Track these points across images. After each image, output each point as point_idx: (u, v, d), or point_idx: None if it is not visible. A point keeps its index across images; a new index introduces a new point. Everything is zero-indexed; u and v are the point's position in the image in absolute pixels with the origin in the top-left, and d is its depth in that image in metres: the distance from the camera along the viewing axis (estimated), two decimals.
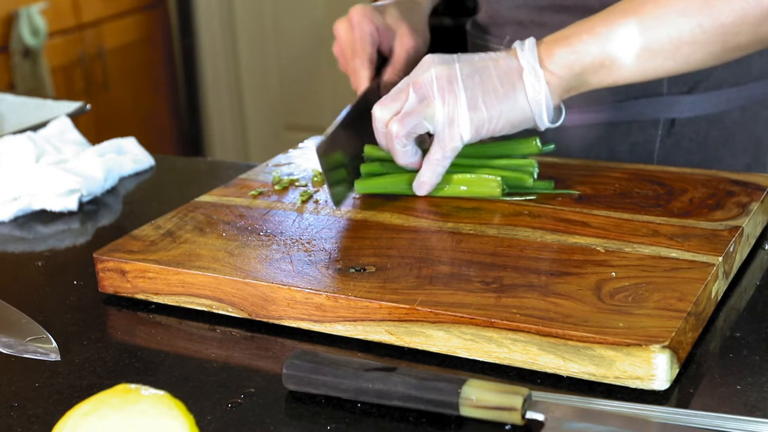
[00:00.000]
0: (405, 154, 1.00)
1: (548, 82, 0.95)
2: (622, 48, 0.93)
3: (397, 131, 0.98)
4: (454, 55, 0.98)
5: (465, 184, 1.00)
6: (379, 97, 1.02)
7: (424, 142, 1.02)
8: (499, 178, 0.99)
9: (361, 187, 1.03)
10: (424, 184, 1.00)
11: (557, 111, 0.99)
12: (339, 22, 1.16)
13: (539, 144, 1.02)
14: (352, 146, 1.06)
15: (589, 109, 1.19)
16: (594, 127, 1.20)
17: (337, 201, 1.01)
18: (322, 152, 0.99)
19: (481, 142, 1.01)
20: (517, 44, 0.97)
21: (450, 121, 0.96)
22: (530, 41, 0.96)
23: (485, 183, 0.99)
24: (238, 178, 1.11)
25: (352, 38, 1.13)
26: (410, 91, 0.97)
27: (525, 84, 0.95)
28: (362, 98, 1.09)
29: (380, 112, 0.99)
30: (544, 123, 0.97)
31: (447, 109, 0.96)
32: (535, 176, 1.01)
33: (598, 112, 1.19)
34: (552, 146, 1.04)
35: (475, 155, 1.03)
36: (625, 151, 1.19)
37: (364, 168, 1.05)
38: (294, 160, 1.15)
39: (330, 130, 1.02)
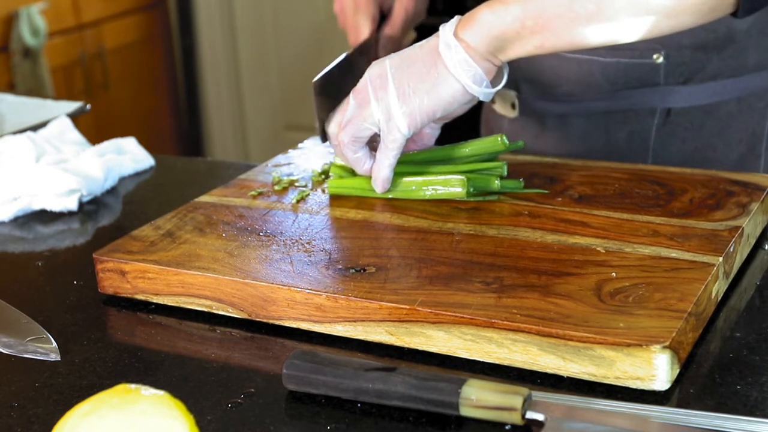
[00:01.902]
0: (358, 161, 1.00)
1: (466, 49, 0.93)
2: (543, 9, 0.91)
3: (343, 140, 0.99)
4: (389, 55, 0.99)
5: (430, 185, 1.00)
6: (376, 51, 1.03)
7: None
8: (462, 177, 0.99)
9: (333, 187, 1.04)
10: (376, 180, 1.00)
11: (499, 75, 0.97)
12: None
13: (506, 141, 1.02)
14: (342, 91, 1.06)
15: (588, 98, 1.20)
16: (593, 116, 1.21)
17: (325, 138, 1.03)
18: (318, 89, 1.01)
19: (450, 143, 1.03)
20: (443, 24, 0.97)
21: (387, 117, 0.96)
22: (457, 17, 0.96)
23: (449, 184, 0.99)
24: (238, 179, 1.11)
25: None
26: (350, 98, 0.99)
27: (443, 58, 0.94)
28: (358, 48, 1.12)
29: (330, 127, 1.01)
30: (476, 91, 0.95)
31: (382, 106, 0.96)
32: (504, 174, 1.01)
33: (597, 101, 1.20)
34: (521, 143, 1.04)
35: (444, 159, 1.03)
36: (622, 139, 1.20)
37: (333, 169, 1.05)
38: (294, 160, 1.15)
39: (327, 69, 1.04)
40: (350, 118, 0.98)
